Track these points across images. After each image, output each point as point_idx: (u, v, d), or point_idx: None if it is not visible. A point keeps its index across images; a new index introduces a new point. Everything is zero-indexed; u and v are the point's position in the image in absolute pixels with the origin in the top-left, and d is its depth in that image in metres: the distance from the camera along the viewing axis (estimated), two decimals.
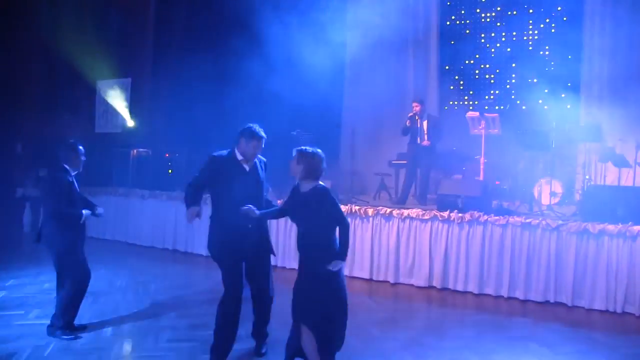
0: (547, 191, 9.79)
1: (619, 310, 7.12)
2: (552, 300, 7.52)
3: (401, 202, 9.66)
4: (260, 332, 5.46)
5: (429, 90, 12.72)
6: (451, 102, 12.92)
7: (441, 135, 9.97)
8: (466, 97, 12.77)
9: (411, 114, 9.84)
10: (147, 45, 14.09)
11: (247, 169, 5.14)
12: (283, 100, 12.29)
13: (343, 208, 8.86)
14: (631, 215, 7.40)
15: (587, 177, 9.51)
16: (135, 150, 12.59)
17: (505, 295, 7.75)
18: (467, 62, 12.96)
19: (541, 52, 12.22)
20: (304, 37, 12.00)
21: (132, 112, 14.35)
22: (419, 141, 9.84)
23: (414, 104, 9.93)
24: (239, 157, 5.12)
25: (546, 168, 10.30)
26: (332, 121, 13.69)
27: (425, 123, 9.82)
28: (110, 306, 7.01)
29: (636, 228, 7.08)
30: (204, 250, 10.21)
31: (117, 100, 14.47)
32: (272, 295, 5.36)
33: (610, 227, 7.18)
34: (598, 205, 7.64)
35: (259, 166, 5.27)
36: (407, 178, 10.14)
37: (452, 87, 12.75)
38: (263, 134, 5.12)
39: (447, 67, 13.00)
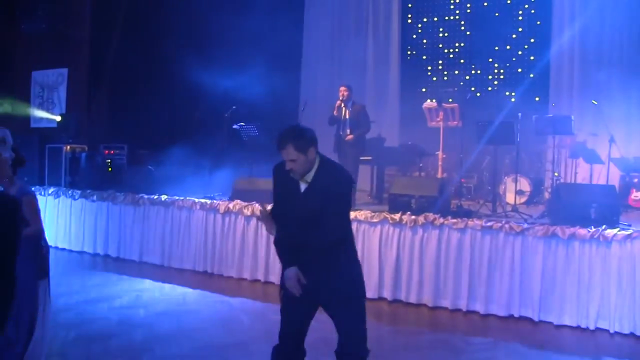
0: (513, 190, 8.95)
1: (591, 327, 6.24)
2: (516, 315, 6.61)
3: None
4: None
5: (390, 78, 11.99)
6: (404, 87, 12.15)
7: (366, 125, 8.85)
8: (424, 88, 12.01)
9: (339, 101, 8.78)
10: (85, 33, 13.00)
11: (302, 188, 3.66)
12: (233, 93, 11.38)
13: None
14: (604, 217, 6.54)
15: (555, 174, 8.68)
16: (68, 146, 11.46)
17: (464, 309, 6.81)
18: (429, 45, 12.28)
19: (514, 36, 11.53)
20: (258, 26, 11.17)
21: (69, 105, 13.23)
22: (341, 133, 8.81)
23: (342, 89, 8.81)
24: None
25: (512, 164, 9.48)
26: (289, 113, 12.81)
27: (348, 113, 8.73)
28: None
29: (610, 232, 6.21)
30: (136, 256, 9.37)
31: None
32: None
33: (582, 232, 6.29)
34: (567, 205, 6.76)
35: (319, 188, 3.60)
36: None
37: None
38: (284, 138, 3.55)
39: (408, 52, 12.26)
